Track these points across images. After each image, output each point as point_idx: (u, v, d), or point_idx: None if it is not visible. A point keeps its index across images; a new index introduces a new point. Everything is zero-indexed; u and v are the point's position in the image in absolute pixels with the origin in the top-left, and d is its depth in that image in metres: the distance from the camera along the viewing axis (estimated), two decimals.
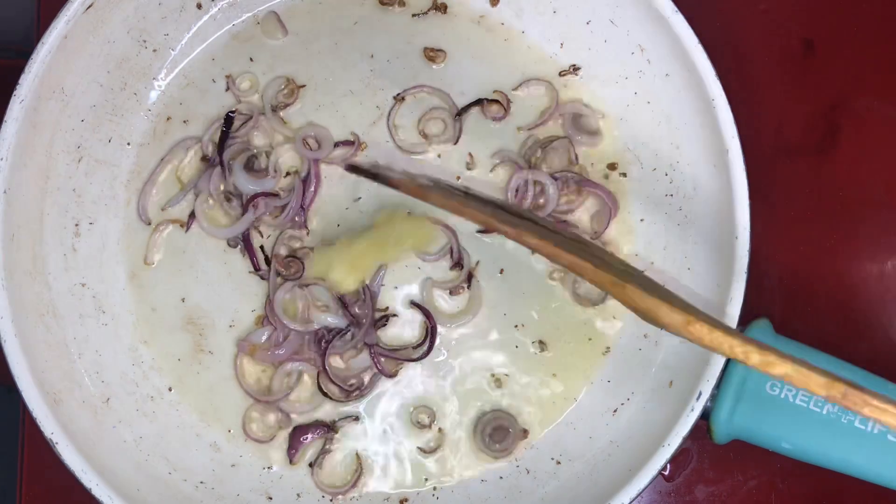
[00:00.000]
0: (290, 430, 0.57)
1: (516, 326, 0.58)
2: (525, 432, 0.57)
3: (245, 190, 0.58)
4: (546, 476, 0.56)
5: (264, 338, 0.58)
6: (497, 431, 0.57)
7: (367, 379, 0.57)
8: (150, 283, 0.59)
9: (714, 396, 0.51)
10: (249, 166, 0.58)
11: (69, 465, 0.51)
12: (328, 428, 0.57)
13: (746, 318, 0.52)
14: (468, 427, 0.57)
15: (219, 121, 0.59)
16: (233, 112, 0.59)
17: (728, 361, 0.51)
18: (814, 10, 0.63)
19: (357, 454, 0.57)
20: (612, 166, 0.59)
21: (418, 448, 0.57)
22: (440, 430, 0.57)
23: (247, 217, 0.58)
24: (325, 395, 0.57)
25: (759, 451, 0.52)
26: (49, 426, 0.51)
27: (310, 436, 0.57)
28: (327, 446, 0.57)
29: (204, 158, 0.59)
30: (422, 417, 0.57)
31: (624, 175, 0.59)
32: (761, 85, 0.62)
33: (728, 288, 0.51)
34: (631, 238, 0.58)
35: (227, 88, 0.60)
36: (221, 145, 0.59)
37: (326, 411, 0.58)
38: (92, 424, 0.54)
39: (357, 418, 0.57)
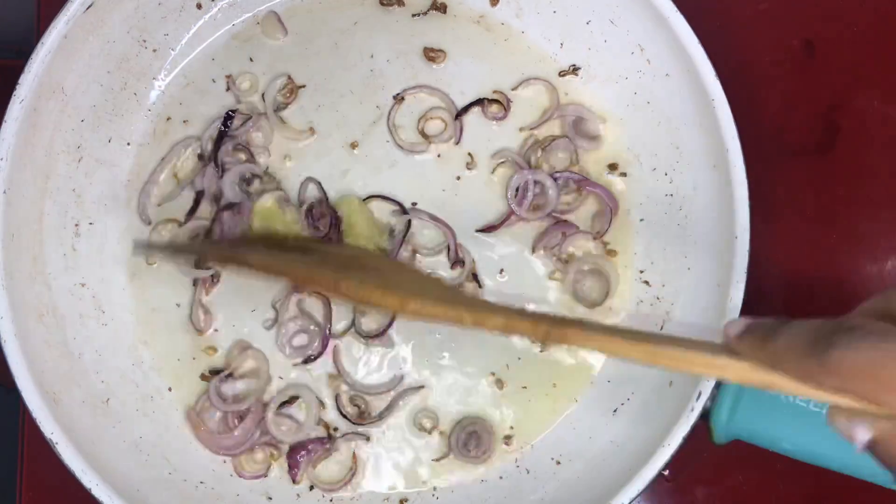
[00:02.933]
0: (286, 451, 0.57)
1: None
2: (508, 438, 0.57)
3: (234, 199, 0.58)
4: (546, 476, 0.56)
5: (216, 418, 0.57)
6: (471, 437, 0.57)
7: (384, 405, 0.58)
8: (150, 283, 0.59)
9: (714, 396, 0.51)
10: (245, 180, 0.58)
11: (69, 465, 0.51)
12: (326, 438, 0.57)
13: None
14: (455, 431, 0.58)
15: (218, 119, 0.59)
16: (233, 111, 0.59)
17: None
18: (814, 10, 0.63)
19: (354, 453, 0.57)
20: (612, 167, 0.59)
21: (432, 460, 0.57)
22: (441, 433, 0.57)
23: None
24: (343, 416, 0.57)
25: (759, 451, 0.52)
26: (49, 426, 0.51)
27: (309, 452, 0.57)
28: (326, 452, 0.57)
29: (201, 156, 0.59)
30: (425, 422, 0.57)
31: (624, 175, 0.59)
32: (761, 85, 0.62)
33: (728, 288, 0.51)
34: (631, 238, 0.58)
35: (228, 88, 0.60)
36: (218, 144, 0.59)
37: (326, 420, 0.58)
38: (92, 424, 0.54)
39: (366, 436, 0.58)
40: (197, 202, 0.59)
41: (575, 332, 0.39)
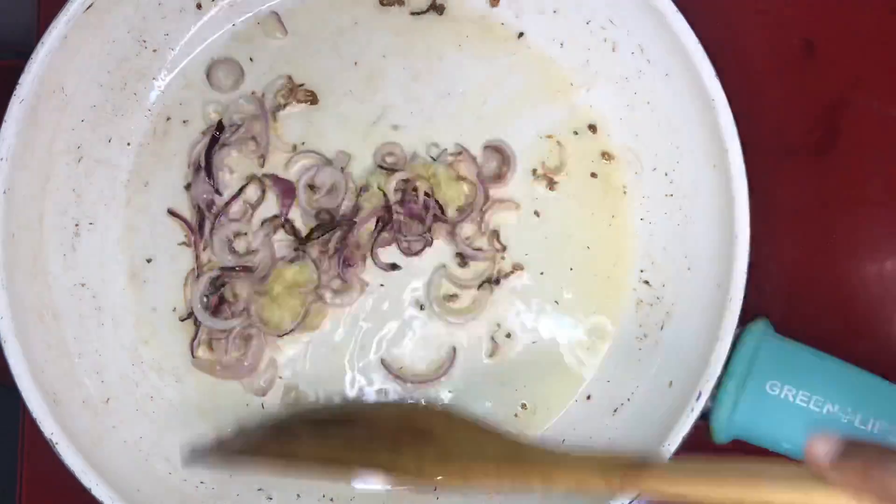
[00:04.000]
0: None
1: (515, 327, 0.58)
2: None
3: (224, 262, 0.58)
4: None
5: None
6: None
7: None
8: (150, 283, 0.59)
9: (714, 396, 0.51)
10: (231, 247, 0.58)
11: (69, 465, 0.51)
12: None
13: (746, 318, 0.52)
14: None
15: (211, 127, 0.59)
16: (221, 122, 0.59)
17: (728, 361, 0.51)
18: (814, 10, 0.63)
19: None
20: (605, 156, 0.59)
21: None
22: None
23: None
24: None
25: (759, 452, 0.52)
26: (49, 426, 0.51)
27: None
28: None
29: (197, 168, 0.59)
30: None
31: (614, 158, 0.59)
32: (761, 85, 0.62)
33: (728, 288, 0.51)
34: (631, 238, 0.58)
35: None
36: (210, 153, 0.58)
37: None
38: (92, 424, 0.54)
39: None
40: (201, 217, 0.59)
41: (650, 477, 0.37)
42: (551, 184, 0.59)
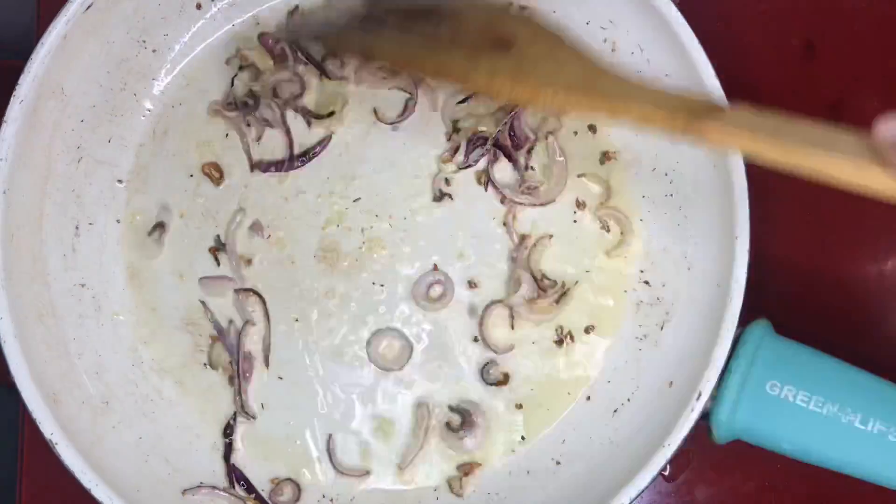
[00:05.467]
0: None
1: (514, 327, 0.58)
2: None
3: None
4: (546, 476, 0.56)
5: None
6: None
7: None
8: (150, 283, 0.59)
9: (714, 396, 0.51)
10: None
11: (69, 465, 0.51)
12: None
13: (746, 318, 0.52)
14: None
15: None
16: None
17: (728, 361, 0.51)
18: (814, 10, 0.63)
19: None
20: (605, 156, 0.59)
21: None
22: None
23: None
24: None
25: (759, 452, 0.52)
26: (48, 427, 0.51)
27: None
28: None
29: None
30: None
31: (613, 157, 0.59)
32: (761, 85, 0.62)
33: (728, 288, 0.51)
34: (631, 238, 0.58)
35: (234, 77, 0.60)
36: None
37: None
38: (91, 425, 0.54)
39: None
40: None
41: (713, 126, 0.37)
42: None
